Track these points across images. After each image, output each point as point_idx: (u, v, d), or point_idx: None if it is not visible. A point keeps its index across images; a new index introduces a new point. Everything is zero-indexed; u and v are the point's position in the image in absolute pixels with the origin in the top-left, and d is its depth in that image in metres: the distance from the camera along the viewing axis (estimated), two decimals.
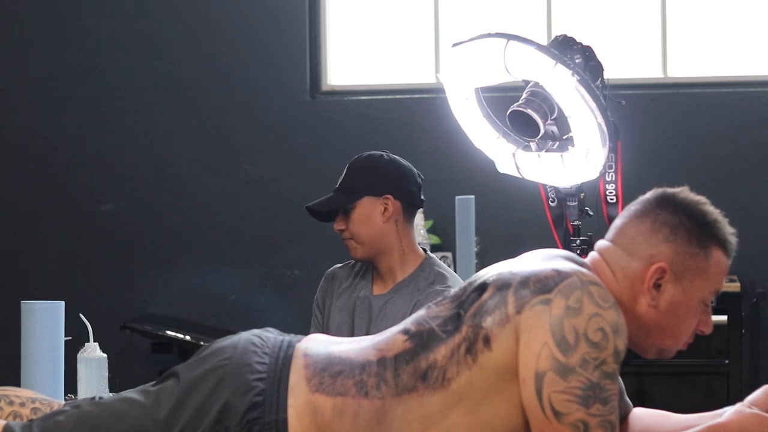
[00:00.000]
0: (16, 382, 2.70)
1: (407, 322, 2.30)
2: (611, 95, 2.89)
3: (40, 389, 2.62)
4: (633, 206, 2.33)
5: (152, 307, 6.04)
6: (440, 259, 3.43)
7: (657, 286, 2.26)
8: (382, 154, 3.40)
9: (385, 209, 3.32)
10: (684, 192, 2.32)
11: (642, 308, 2.26)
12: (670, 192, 2.32)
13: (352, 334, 3.27)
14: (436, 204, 5.81)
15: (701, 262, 2.27)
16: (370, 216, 3.32)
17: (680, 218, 2.27)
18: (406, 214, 3.37)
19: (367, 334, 3.22)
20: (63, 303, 2.82)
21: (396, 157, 3.40)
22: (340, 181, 3.40)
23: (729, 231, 2.30)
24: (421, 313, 2.30)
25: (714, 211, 2.31)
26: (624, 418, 2.46)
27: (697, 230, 2.27)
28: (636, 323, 2.26)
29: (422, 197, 3.42)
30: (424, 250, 3.41)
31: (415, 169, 3.41)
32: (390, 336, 2.28)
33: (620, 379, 2.28)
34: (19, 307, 2.76)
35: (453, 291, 2.34)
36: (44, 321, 2.74)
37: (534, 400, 2.12)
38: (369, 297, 3.35)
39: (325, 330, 3.38)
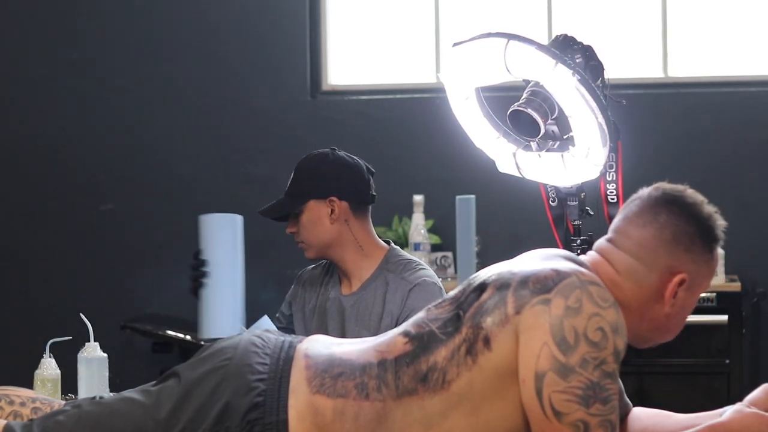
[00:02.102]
0: (16, 381, 2.70)
1: (408, 324, 2.30)
2: (612, 95, 2.88)
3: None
4: (633, 205, 2.33)
5: (152, 307, 6.03)
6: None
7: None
8: (327, 153, 3.32)
9: (332, 211, 3.26)
10: (688, 193, 2.31)
11: (655, 313, 2.27)
12: (671, 193, 2.31)
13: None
14: (436, 204, 5.82)
15: (711, 265, 2.31)
16: (318, 219, 3.28)
17: (693, 227, 2.27)
18: (357, 211, 3.29)
19: (342, 334, 3.21)
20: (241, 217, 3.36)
21: (342, 154, 3.32)
22: (288, 183, 3.36)
23: (723, 225, 2.32)
24: (421, 315, 2.30)
25: (711, 209, 2.32)
26: (624, 417, 2.46)
27: (707, 236, 2.28)
28: (644, 325, 2.27)
29: (373, 192, 3.33)
30: (387, 242, 3.34)
31: (363, 165, 3.32)
32: (390, 338, 2.28)
33: (619, 379, 2.28)
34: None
35: (452, 292, 2.34)
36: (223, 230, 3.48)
37: (534, 400, 2.12)
38: (339, 297, 3.29)
39: (297, 332, 3.36)
